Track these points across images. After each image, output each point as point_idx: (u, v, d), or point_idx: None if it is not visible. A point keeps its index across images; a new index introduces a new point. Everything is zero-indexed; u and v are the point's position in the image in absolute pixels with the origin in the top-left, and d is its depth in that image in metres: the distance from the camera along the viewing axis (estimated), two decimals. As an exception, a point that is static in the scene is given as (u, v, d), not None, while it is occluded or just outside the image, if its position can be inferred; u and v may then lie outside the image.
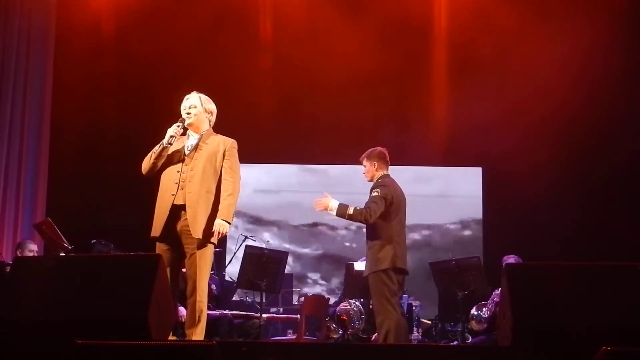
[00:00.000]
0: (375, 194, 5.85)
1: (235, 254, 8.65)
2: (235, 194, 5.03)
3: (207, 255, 4.95)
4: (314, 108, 9.59)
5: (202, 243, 4.89)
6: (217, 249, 7.58)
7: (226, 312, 7.22)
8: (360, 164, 6.14)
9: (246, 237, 8.63)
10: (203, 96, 5.18)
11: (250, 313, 7.52)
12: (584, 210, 9.20)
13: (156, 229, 4.93)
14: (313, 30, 9.47)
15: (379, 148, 6.12)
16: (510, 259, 7.27)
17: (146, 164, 5.02)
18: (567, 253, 8.65)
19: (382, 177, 6.01)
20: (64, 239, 7.13)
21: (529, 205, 9.46)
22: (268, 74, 9.72)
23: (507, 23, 9.14)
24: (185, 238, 4.91)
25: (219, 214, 4.93)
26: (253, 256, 6.82)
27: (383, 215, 5.81)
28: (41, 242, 8.04)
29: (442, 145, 9.78)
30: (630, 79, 9.46)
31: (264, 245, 7.81)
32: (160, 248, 4.92)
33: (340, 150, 9.52)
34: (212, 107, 5.20)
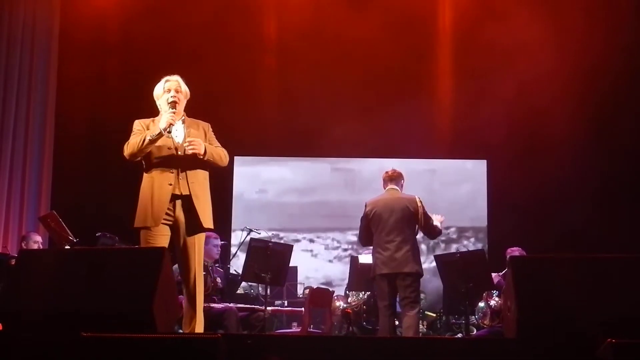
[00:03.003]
0: None
1: (239, 246, 8.65)
2: (224, 161, 5.01)
3: (202, 244, 4.96)
4: (318, 102, 9.56)
5: (201, 232, 4.87)
6: (222, 242, 7.60)
7: (231, 305, 7.22)
8: None
9: (250, 230, 8.63)
10: (180, 78, 5.05)
11: (255, 306, 7.52)
12: (589, 203, 9.17)
13: (156, 219, 4.79)
14: (318, 24, 9.44)
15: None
16: (515, 251, 7.27)
17: (135, 149, 4.84)
18: (572, 246, 8.62)
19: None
20: (69, 231, 7.13)
21: (534, 198, 9.45)
22: (272, 68, 9.70)
23: (512, 14, 9.10)
24: (185, 228, 4.85)
25: (210, 147, 4.90)
26: (258, 249, 6.81)
27: (371, 230, 6.49)
28: (46, 235, 8.05)
29: (447, 138, 9.76)
30: (637, 71, 9.43)
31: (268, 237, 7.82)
32: (148, 237, 4.80)
33: (344, 141, 9.51)
34: (188, 90, 5.07)
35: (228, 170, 9.69)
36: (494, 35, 9.31)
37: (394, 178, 6.64)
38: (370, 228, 6.52)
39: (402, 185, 6.66)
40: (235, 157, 9.53)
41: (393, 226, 6.39)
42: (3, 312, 4.21)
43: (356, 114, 9.40)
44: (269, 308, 7.24)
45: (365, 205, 6.61)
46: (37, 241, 7.41)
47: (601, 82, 9.37)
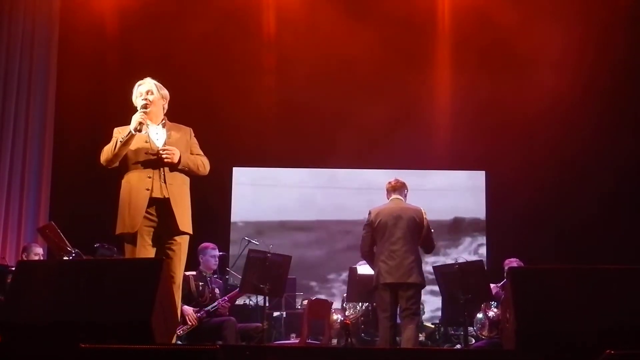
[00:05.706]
0: None
1: (238, 257, 8.64)
2: (202, 170, 4.98)
3: (186, 248, 4.92)
4: (316, 109, 9.57)
5: (179, 235, 4.84)
6: (221, 253, 7.59)
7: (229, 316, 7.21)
8: None
9: (249, 241, 8.62)
10: (157, 82, 5.02)
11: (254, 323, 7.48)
12: (587, 213, 9.16)
13: (133, 225, 4.79)
14: (316, 30, 9.47)
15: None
16: (513, 262, 7.28)
17: (109, 154, 4.83)
18: (570, 256, 8.63)
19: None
20: (67, 242, 7.12)
21: (532, 209, 9.45)
22: (271, 73, 9.72)
23: (511, 21, 9.13)
24: (166, 233, 4.83)
25: (186, 156, 4.88)
26: (256, 260, 6.79)
27: (375, 238, 6.44)
28: (45, 246, 8.04)
29: (446, 149, 9.76)
30: (635, 76, 9.46)
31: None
32: (131, 247, 4.80)
33: (343, 152, 9.52)
34: (166, 92, 5.05)
35: (227, 179, 9.74)
36: (493, 43, 9.35)
37: (398, 188, 6.61)
38: (374, 236, 6.46)
39: (405, 195, 6.64)
40: (234, 169, 9.62)
41: (400, 235, 6.33)
42: (2, 323, 4.21)
43: (353, 122, 9.39)
44: (267, 319, 7.23)
45: (369, 213, 6.53)
46: (38, 253, 7.40)
47: (602, 89, 9.38)
